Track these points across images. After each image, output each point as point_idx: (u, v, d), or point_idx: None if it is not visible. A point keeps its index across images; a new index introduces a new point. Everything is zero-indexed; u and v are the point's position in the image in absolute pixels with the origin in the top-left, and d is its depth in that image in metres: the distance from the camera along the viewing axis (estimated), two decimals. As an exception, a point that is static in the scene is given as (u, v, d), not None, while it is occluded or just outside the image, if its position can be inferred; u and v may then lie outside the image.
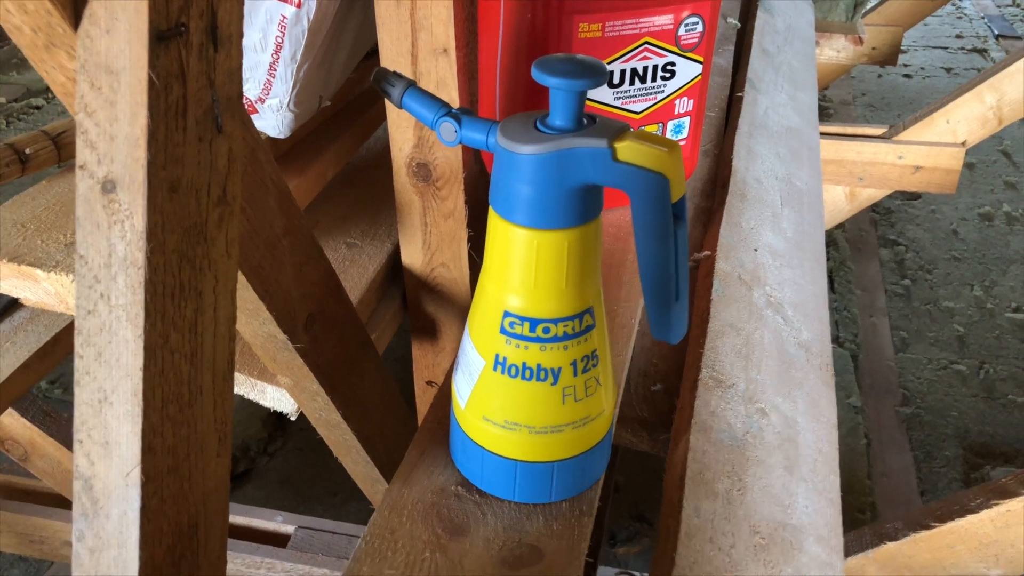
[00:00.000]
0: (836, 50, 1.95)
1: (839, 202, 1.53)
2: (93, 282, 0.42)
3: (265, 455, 1.61)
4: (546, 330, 0.49)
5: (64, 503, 1.16)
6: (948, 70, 3.32)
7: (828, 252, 2.16)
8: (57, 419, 1.09)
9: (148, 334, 0.42)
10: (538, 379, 0.50)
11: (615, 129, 0.45)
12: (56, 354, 0.87)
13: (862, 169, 1.46)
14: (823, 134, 1.49)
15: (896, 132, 1.48)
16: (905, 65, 3.33)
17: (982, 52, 3.50)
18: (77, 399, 0.43)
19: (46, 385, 1.79)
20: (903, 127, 1.47)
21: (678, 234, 0.45)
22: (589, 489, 0.55)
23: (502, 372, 0.50)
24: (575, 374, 0.50)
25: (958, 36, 3.67)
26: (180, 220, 0.43)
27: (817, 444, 0.67)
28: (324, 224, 0.99)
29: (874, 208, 2.31)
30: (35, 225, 0.74)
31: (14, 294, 0.72)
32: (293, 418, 0.81)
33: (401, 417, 0.93)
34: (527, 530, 0.52)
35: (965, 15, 3.92)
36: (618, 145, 0.44)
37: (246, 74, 0.82)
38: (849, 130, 1.50)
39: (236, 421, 1.68)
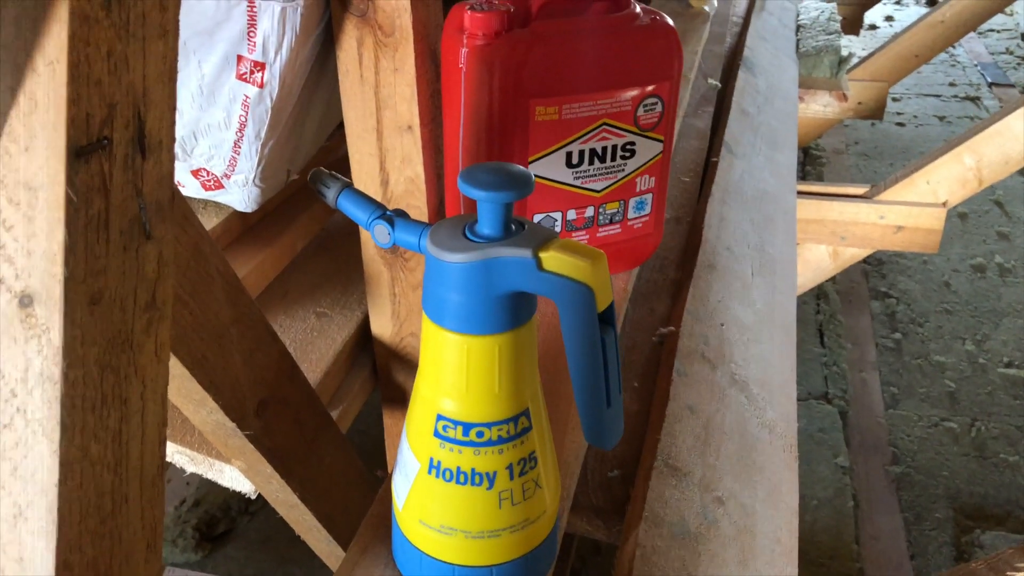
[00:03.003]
0: (823, 105, 1.96)
1: (823, 261, 1.53)
2: (10, 396, 0.42)
3: (246, 515, 1.59)
4: (480, 434, 0.48)
5: None
6: (941, 118, 3.34)
7: (818, 305, 2.15)
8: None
9: (65, 449, 0.41)
10: (473, 483, 0.49)
11: (541, 238, 0.44)
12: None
13: (844, 228, 1.46)
14: (805, 193, 1.49)
15: (878, 192, 1.48)
16: (898, 113, 3.35)
17: (975, 100, 3.52)
18: (-6, 513, 0.42)
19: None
20: (884, 187, 1.47)
21: (606, 341, 0.45)
22: (531, 591, 0.54)
23: (437, 475, 0.49)
24: (511, 478, 0.49)
25: (951, 84, 3.70)
26: (102, 331, 0.43)
27: (775, 533, 0.66)
28: (293, 293, 0.98)
29: (866, 260, 2.31)
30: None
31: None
32: (252, 497, 0.80)
33: (366, 492, 0.92)
34: (464, 636, 0.51)
35: (958, 62, 3.95)
36: (543, 255, 0.44)
37: (211, 151, 0.83)
38: (831, 189, 1.51)
39: (217, 480, 1.67)
